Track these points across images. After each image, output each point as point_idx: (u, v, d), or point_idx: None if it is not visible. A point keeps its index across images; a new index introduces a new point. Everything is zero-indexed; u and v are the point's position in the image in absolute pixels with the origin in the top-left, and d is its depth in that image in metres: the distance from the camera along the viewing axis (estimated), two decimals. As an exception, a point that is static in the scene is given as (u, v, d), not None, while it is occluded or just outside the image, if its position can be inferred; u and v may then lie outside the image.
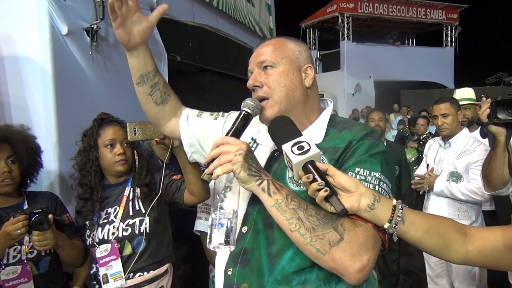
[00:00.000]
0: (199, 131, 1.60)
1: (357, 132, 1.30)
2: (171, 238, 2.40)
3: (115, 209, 2.23)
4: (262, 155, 1.38)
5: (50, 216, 1.97)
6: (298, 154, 1.12)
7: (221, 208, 1.22)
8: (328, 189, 1.08)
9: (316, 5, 20.43)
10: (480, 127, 1.98)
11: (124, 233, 2.17)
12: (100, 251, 2.15)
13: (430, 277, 3.48)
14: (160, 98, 1.58)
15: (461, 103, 3.84)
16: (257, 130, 1.50)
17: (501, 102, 1.86)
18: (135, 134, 2.07)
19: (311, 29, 21.28)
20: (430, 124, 6.63)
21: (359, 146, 1.26)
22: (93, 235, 2.18)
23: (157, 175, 2.31)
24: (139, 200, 2.25)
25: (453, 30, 21.38)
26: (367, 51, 19.08)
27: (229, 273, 1.31)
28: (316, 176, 1.09)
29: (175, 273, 2.38)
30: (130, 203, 2.23)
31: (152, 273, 2.22)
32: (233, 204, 1.23)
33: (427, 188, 3.26)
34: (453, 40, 21.39)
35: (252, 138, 1.49)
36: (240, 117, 1.28)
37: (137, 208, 2.23)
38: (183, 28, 4.70)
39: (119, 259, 2.14)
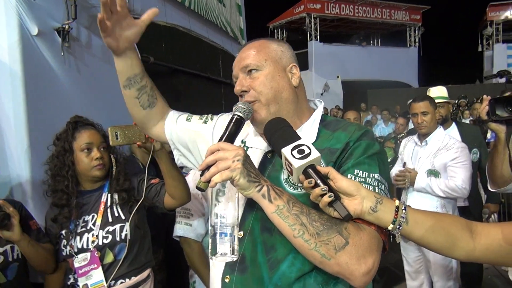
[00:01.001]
0: (187, 135, 1.56)
1: (353, 132, 1.28)
2: (151, 242, 2.35)
3: (93, 216, 2.15)
4: (254, 158, 1.34)
5: (11, 209, 1.94)
6: (299, 158, 1.09)
7: (222, 217, 1.17)
8: (332, 194, 1.06)
9: (283, 6, 20.60)
10: (479, 124, 2.01)
11: (105, 241, 2.10)
12: (79, 261, 2.06)
13: (408, 273, 3.54)
14: (148, 101, 1.54)
15: (435, 101, 3.94)
16: (245, 133, 1.47)
17: (500, 99, 1.85)
18: (117, 138, 2.03)
19: (279, 30, 21.42)
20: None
21: (356, 147, 1.25)
22: (71, 244, 2.08)
23: (135, 180, 2.26)
24: (118, 206, 2.18)
25: (416, 31, 22.00)
26: (335, 51, 19.39)
27: (227, 280, 1.28)
28: (319, 181, 1.07)
29: (155, 278, 2.34)
30: (109, 210, 2.16)
31: (134, 279, 2.16)
32: (234, 212, 1.19)
33: (408, 185, 3.31)
34: (417, 41, 22.02)
35: (242, 141, 1.46)
36: (233, 121, 1.25)
37: (116, 214, 2.16)
38: (156, 28, 4.62)
39: (100, 267, 2.06)
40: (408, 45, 22.06)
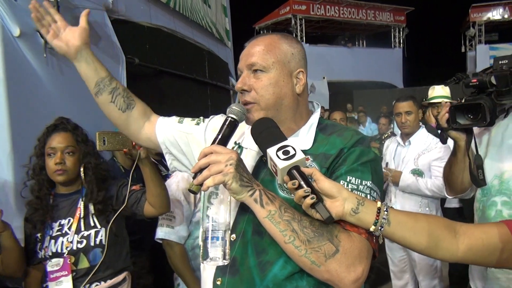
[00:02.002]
0: (181, 137, 1.53)
1: (348, 139, 1.28)
2: (129, 248, 2.33)
3: (69, 220, 2.13)
4: (249, 160, 1.34)
5: None
6: (283, 159, 1.10)
7: (213, 220, 1.16)
8: (314, 196, 1.07)
9: (269, 7, 20.63)
10: (439, 132, 1.94)
11: (79, 246, 2.08)
12: (52, 265, 2.04)
13: (394, 272, 3.58)
14: (124, 103, 1.52)
15: (438, 100, 3.97)
16: (240, 133, 1.44)
17: (460, 106, 1.77)
18: (104, 143, 2.03)
19: (265, 31, 21.40)
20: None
21: (350, 154, 1.25)
22: (46, 247, 2.07)
23: (114, 187, 2.23)
24: (93, 216, 2.16)
25: (401, 32, 22.23)
26: (320, 52, 19.47)
27: (218, 283, 1.27)
28: (302, 183, 1.08)
29: (137, 282, 2.33)
30: (84, 220, 2.14)
31: (109, 282, 2.16)
32: (226, 216, 1.18)
33: (391, 184, 3.33)
34: (401, 42, 22.25)
35: (235, 143, 1.43)
36: (226, 123, 1.23)
37: (92, 224, 2.14)
38: (140, 29, 4.58)
39: (70, 275, 2.04)
40: (392, 46, 22.28)
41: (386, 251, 3.59)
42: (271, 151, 1.12)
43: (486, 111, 1.67)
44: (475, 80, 1.78)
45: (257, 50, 1.31)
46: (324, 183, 1.09)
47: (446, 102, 3.92)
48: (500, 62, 1.74)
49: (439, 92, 4.11)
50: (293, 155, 1.10)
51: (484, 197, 1.83)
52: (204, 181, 1.11)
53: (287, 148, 1.12)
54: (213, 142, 1.20)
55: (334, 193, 1.08)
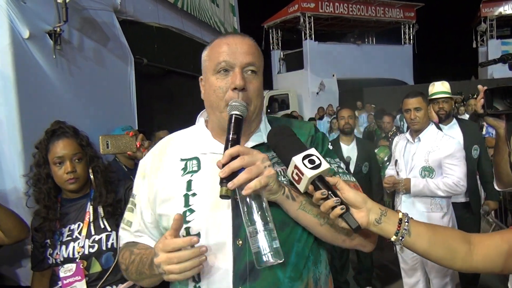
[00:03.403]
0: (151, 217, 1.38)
1: (307, 127, 1.39)
2: None
3: (79, 225, 2.09)
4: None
5: None
6: (310, 168, 1.09)
7: (260, 223, 1.09)
8: (344, 206, 1.08)
9: (278, 5, 20.60)
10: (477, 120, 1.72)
11: (91, 250, 2.06)
12: (64, 271, 2.02)
13: (404, 270, 3.55)
14: None
15: (438, 96, 3.93)
16: (194, 144, 1.34)
17: (497, 90, 1.58)
18: (107, 147, 2.01)
19: (274, 29, 21.41)
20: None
21: (320, 139, 1.36)
22: (56, 254, 2.05)
23: (121, 189, 2.19)
24: (103, 219, 2.11)
25: (411, 28, 22.04)
26: (330, 50, 19.41)
27: None
28: (331, 193, 1.08)
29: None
30: (94, 223, 2.10)
31: (121, 286, 2.12)
32: (265, 215, 1.10)
33: (404, 192, 3.31)
34: (411, 38, 22.05)
35: (201, 154, 1.32)
36: (233, 121, 1.16)
37: (102, 227, 2.11)
38: (148, 30, 4.62)
39: (84, 280, 2.03)
40: (402, 43, 22.10)
41: (397, 248, 3.57)
42: (297, 159, 1.11)
43: None
44: None
45: (252, 51, 1.27)
46: (349, 193, 1.10)
47: (445, 97, 3.89)
48: None
49: (439, 88, 4.07)
50: (319, 164, 1.10)
51: None
52: (242, 184, 1.07)
53: (312, 157, 1.11)
54: (227, 143, 1.13)
55: (359, 203, 1.10)
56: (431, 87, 4.14)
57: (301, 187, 1.12)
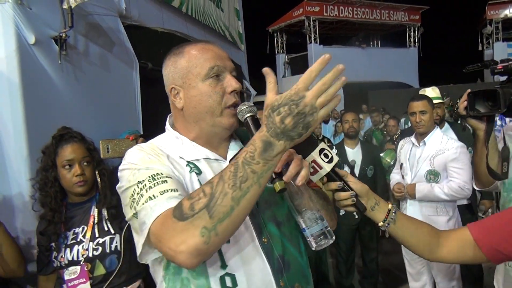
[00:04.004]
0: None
1: None
2: None
3: (83, 228, 2.13)
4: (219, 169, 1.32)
5: None
6: (327, 162, 1.20)
7: (308, 210, 1.18)
8: (355, 198, 1.27)
9: (282, 9, 20.65)
10: (459, 121, 1.79)
11: (95, 253, 2.09)
12: (69, 273, 2.06)
13: (411, 274, 3.53)
14: None
15: None
16: (179, 152, 1.31)
17: (479, 92, 1.67)
18: (108, 151, 2.04)
19: (279, 33, 21.45)
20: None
21: None
22: (61, 257, 2.08)
23: None
24: (107, 221, 2.16)
25: (416, 31, 22.02)
26: (334, 53, 18.67)
27: (282, 284, 1.24)
28: (345, 184, 1.26)
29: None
30: (98, 226, 2.14)
31: None
32: (306, 201, 1.19)
33: (408, 197, 3.31)
34: (416, 41, 22.03)
35: (188, 164, 1.29)
36: (252, 122, 1.19)
37: (106, 229, 2.15)
38: (153, 34, 4.63)
39: (88, 282, 2.06)
40: (407, 46, 22.08)
41: (403, 253, 3.56)
42: (316, 154, 1.20)
43: (501, 99, 1.57)
44: (500, 67, 1.72)
45: (228, 57, 1.34)
46: (356, 185, 1.29)
47: (437, 102, 3.91)
48: None
49: (430, 94, 4.13)
50: (332, 158, 1.21)
51: (505, 192, 1.78)
52: (294, 176, 1.12)
53: (325, 152, 1.20)
54: None
55: (363, 193, 1.30)
56: (421, 93, 4.20)
57: (315, 178, 1.23)
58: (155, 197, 1.12)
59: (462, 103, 1.75)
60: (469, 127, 1.80)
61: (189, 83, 1.28)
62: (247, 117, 1.20)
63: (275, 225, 1.29)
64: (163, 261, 1.24)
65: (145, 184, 1.16)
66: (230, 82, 1.28)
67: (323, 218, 1.16)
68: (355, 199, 1.26)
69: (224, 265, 1.20)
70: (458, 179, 3.05)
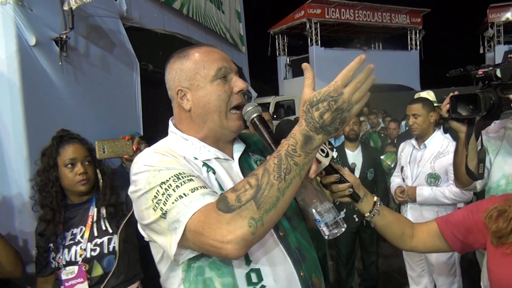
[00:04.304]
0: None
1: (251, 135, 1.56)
2: (139, 255, 2.33)
3: (81, 229, 2.15)
4: (235, 169, 1.36)
5: None
6: (324, 157, 1.25)
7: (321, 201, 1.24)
8: (351, 189, 1.35)
9: (284, 12, 20.65)
10: (442, 123, 1.92)
11: (93, 253, 2.10)
12: (66, 273, 2.07)
13: (412, 277, 3.52)
14: None
15: None
16: (194, 153, 1.32)
17: (462, 96, 1.76)
18: (104, 152, 2.06)
19: (280, 35, 21.45)
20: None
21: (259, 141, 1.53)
22: (59, 257, 2.09)
23: (124, 193, 2.25)
24: (105, 220, 2.18)
25: (417, 34, 22.00)
26: (336, 56, 19.37)
27: (302, 274, 1.28)
28: (342, 178, 1.33)
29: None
30: (96, 224, 2.16)
31: None
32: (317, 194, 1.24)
33: (409, 201, 3.31)
34: (418, 44, 22.01)
35: (204, 165, 1.31)
36: (260, 123, 1.26)
37: (104, 228, 2.17)
38: (154, 36, 4.64)
39: (86, 282, 2.07)
40: (409, 48, 22.06)
41: (404, 256, 3.55)
42: None
43: (481, 103, 1.64)
44: (481, 72, 1.78)
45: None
46: (350, 177, 1.38)
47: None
48: (509, 56, 1.76)
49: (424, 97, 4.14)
50: (327, 153, 1.26)
51: (487, 194, 1.83)
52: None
53: (321, 147, 1.24)
54: (270, 139, 1.24)
55: (355, 185, 1.39)
56: (416, 96, 4.23)
57: (314, 173, 1.25)
58: (186, 195, 1.11)
59: (445, 106, 1.82)
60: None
61: (197, 84, 1.30)
62: (254, 117, 1.26)
63: (286, 220, 1.34)
64: (183, 263, 1.22)
65: (170, 184, 1.14)
66: (237, 83, 1.32)
67: (334, 207, 1.21)
68: (351, 189, 1.34)
69: (248, 261, 1.22)
70: None
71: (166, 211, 1.12)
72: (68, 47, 2.97)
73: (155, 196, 1.15)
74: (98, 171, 2.23)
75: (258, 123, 1.26)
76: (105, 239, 2.13)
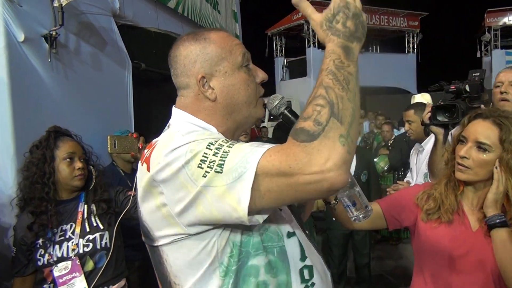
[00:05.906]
0: None
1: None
2: (124, 253, 2.35)
3: (71, 225, 2.14)
4: None
5: None
6: None
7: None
8: None
9: (281, 13, 20.65)
10: (423, 127, 2.48)
11: (86, 249, 2.11)
12: (59, 270, 2.05)
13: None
14: None
15: None
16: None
17: (439, 106, 2.13)
18: (115, 146, 2.15)
19: (277, 37, 21.44)
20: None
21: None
22: (49, 253, 2.07)
23: (112, 191, 2.30)
24: (96, 216, 2.20)
25: (415, 37, 22.04)
26: (333, 58, 19.38)
27: (328, 271, 1.31)
28: None
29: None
30: (87, 221, 2.17)
31: (114, 287, 2.20)
32: None
33: None
34: (415, 47, 22.05)
35: None
36: (291, 114, 1.26)
37: (94, 224, 2.18)
38: (147, 35, 4.61)
39: (83, 275, 2.07)
40: (406, 52, 22.09)
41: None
42: None
43: (459, 111, 2.04)
44: (453, 87, 2.16)
45: None
46: None
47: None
48: (473, 74, 2.18)
49: (419, 100, 4.28)
50: None
51: None
52: None
53: None
54: None
55: None
56: (412, 99, 4.42)
57: None
58: (242, 150, 0.97)
59: (427, 114, 2.16)
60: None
61: (225, 70, 1.16)
62: (285, 110, 1.27)
63: (299, 218, 1.35)
64: (221, 267, 1.07)
65: (220, 144, 1.00)
66: (258, 72, 1.23)
67: (360, 192, 1.34)
68: None
69: (303, 257, 1.18)
70: None
71: (221, 165, 0.96)
72: (58, 44, 2.93)
73: (202, 160, 0.97)
74: (92, 168, 2.25)
75: (289, 115, 1.25)
76: (97, 235, 2.15)
